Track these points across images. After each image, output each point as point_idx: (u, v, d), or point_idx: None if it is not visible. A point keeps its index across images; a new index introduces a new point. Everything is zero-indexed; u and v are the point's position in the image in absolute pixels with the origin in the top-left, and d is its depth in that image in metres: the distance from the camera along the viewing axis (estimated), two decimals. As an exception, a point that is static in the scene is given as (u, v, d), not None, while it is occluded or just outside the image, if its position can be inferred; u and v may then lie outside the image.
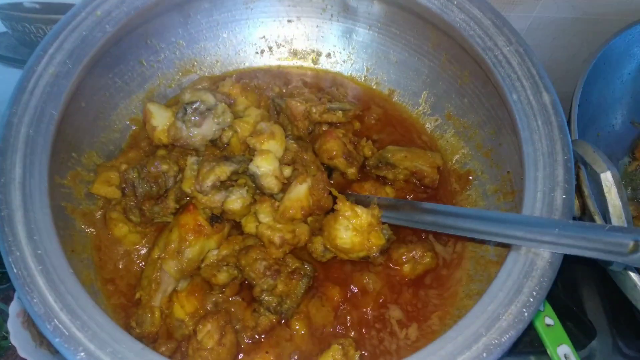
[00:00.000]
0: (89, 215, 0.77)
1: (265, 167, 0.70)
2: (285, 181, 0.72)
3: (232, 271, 0.72)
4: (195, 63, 0.91)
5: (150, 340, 0.69)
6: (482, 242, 0.79)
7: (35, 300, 0.53)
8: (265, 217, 0.72)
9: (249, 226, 0.74)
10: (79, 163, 0.76)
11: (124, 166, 0.75)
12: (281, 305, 0.70)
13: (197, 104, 0.74)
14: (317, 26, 0.93)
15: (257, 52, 0.95)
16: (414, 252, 0.78)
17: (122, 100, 0.84)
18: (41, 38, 0.71)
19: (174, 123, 0.75)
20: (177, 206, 0.75)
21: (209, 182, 0.70)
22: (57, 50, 0.68)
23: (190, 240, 0.71)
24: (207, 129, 0.75)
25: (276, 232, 0.71)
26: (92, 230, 0.76)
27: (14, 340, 0.90)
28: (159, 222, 0.77)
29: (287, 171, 0.73)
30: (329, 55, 0.95)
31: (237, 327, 0.71)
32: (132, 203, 0.74)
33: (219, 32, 0.90)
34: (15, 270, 0.54)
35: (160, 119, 0.77)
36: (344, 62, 0.95)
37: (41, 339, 0.92)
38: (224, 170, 0.70)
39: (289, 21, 0.93)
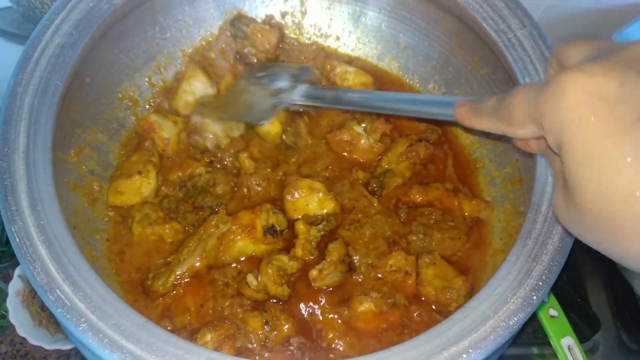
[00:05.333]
0: (93, 194, 0.76)
1: None
2: None
3: (287, 288, 0.70)
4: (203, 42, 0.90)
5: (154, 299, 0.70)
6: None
7: (37, 270, 0.52)
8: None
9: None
10: (82, 139, 0.75)
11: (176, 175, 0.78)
12: None
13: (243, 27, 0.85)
14: (326, 8, 0.92)
15: (264, 34, 0.93)
16: None
17: (126, 77, 0.83)
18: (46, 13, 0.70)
19: (220, 36, 0.86)
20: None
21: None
22: (63, 21, 0.66)
23: (237, 233, 0.71)
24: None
25: None
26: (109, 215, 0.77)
27: (12, 319, 0.89)
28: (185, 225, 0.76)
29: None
30: (337, 38, 0.94)
31: (241, 343, 0.67)
32: (174, 196, 0.77)
33: (225, 11, 0.89)
34: (17, 240, 0.54)
35: (168, 129, 0.80)
36: (352, 45, 0.94)
37: (40, 319, 0.91)
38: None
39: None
